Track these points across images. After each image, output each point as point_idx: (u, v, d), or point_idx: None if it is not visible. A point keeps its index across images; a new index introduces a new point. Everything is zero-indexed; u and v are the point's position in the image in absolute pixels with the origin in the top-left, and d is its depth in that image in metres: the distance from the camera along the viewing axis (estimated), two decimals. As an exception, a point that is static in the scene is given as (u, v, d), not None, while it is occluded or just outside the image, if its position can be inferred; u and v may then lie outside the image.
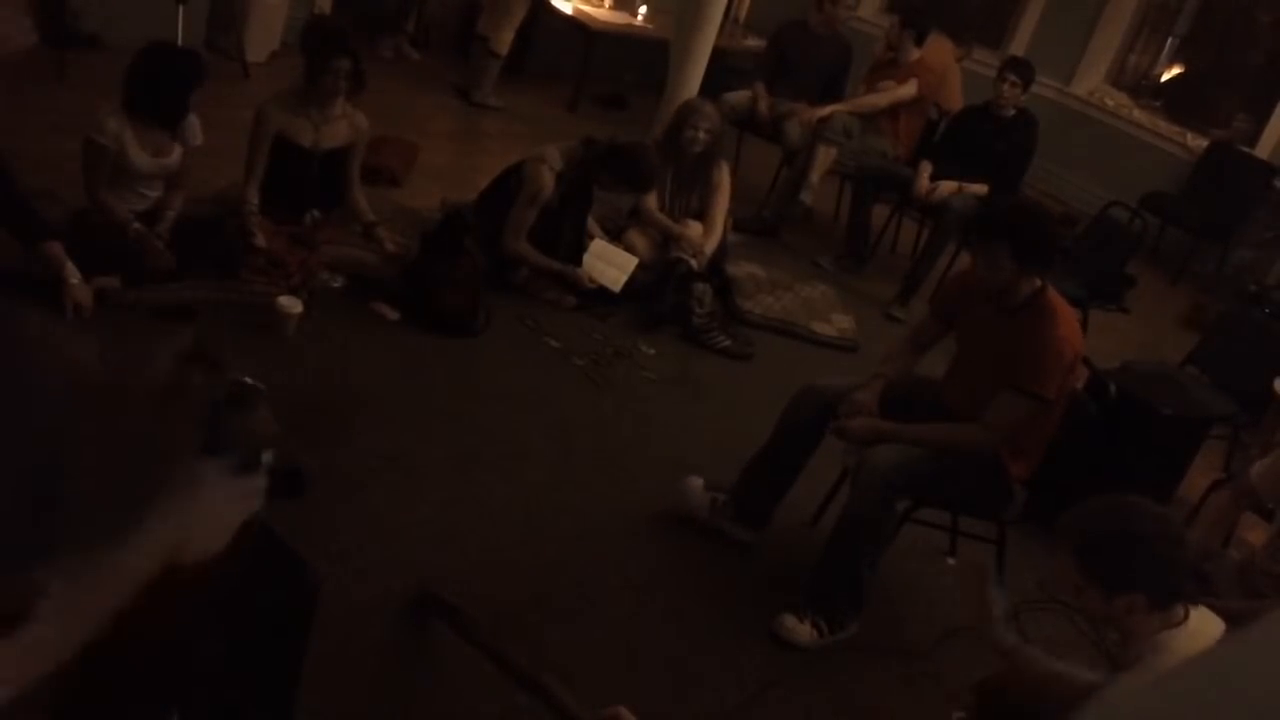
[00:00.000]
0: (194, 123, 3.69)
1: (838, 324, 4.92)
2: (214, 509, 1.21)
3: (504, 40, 6.43)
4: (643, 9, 7.47)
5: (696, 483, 3.27)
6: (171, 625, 1.17)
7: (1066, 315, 2.90)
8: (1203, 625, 2.04)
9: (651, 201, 4.62)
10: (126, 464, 1.19)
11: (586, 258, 4.40)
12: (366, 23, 6.58)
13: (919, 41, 5.79)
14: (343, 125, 3.95)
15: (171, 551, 1.14)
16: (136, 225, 3.55)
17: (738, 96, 5.94)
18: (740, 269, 4.99)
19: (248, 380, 1.53)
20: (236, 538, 1.24)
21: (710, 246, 4.59)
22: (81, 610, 1.06)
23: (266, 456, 1.33)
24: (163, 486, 1.18)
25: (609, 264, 4.43)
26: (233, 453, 1.30)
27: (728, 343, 4.44)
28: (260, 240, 3.73)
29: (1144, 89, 7.90)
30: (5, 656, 0.98)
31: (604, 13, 7.31)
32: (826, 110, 5.78)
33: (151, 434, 1.28)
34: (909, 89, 5.78)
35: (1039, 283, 2.90)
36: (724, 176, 4.66)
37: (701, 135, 4.53)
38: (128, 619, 1.09)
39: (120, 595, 1.09)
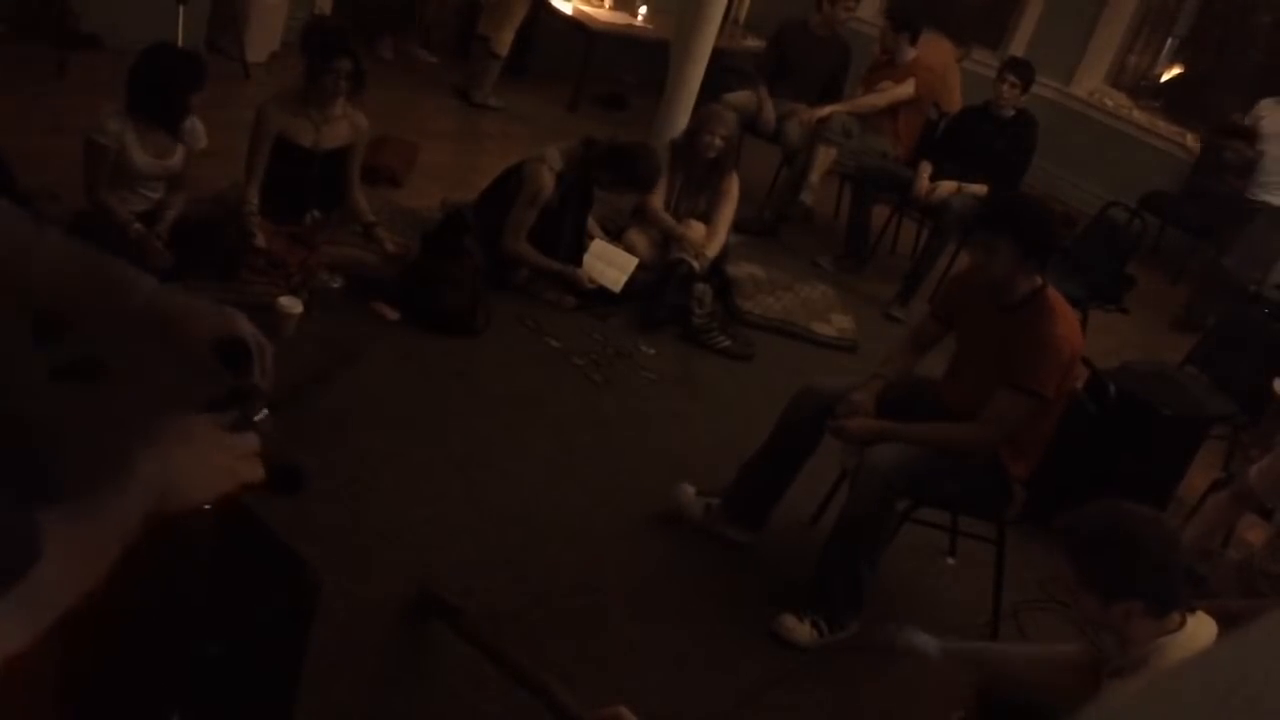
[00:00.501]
0: (197, 125, 3.69)
1: (837, 324, 4.92)
2: (203, 459, 1.19)
3: (504, 40, 6.44)
4: (643, 9, 7.47)
5: (689, 489, 3.27)
6: (149, 578, 1.16)
7: (1066, 314, 2.90)
8: (1199, 630, 2.04)
9: (657, 200, 4.63)
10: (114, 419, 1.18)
11: (586, 258, 4.41)
12: (366, 23, 6.58)
13: (913, 41, 5.80)
14: (343, 125, 3.95)
15: (158, 497, 1.13)
16: (137, 226, 3.55)
17: (738, 97, 5.95)
18: (740, 269, 5.00)
19: (250, 381, 1.53)
20: (225, 498, 1.23)
21: (712, 251, 4.60)
22: (81, 553, 1.06)
23: (261, 415, 1.31)
24: (151, 433, 1.17)
25: (609, 264, 4.44)
26: (227, 411, 1.29)
27: (728, 343, 4.44)
28: (260, 241, 3.73)
29: (1144, 89, 7.91)
30: (17, 602, 0.98)
31: (604, 13, 7.31)
32: (826, 110, 5.79)
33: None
34: (907, 88, 5.79)
35: (1039, 281, 2.90)
36: (733, 186, 4.68)
37: (717, 142, 4.54)
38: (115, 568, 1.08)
39: (114, 537, 1.08)
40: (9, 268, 1.32)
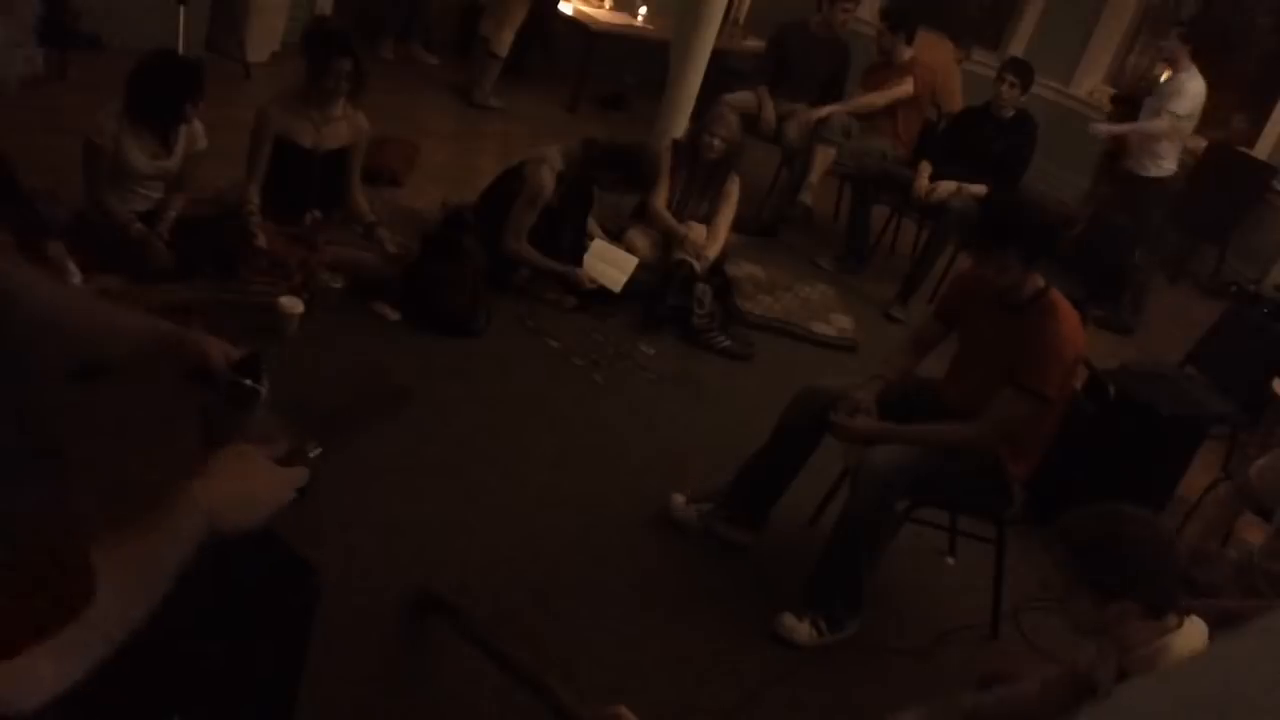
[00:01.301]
0: (197, 128, 3.70)
1: (837, 324, 4.92)
2: (256, 491, 1.22)
3: (504, 41, 6.44)
4: (643, 9, 7.48)
5: (679, 499, 3.28)
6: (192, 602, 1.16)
7: (1069, 315, 2.90)
8: (1194, 633, 2.04)
9: (659, 199, 4.63)
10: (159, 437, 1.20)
11: (587, 258, 4.41)
12: (367, 23, 6.58)
13: (909, 41, 5.81)
14: (343, 126, 3.95)
15: (211, 525, 1.14)
16: (137, 225, 3.56)
17: (738, 98, 5.95)
18: (740, 269, 5.00)
19: (246, 381, 1.53)
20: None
21: (712, 252, 4.61)
22: (135, 577, 1.05)
23: (314, 451, 1.35)
24: (208, 461, 1.18)
25: (609, 264, 4.44)
26: (282, 442, 1.32)
27: (727, 343, 4.44)
28: (261, 241, 3.73)
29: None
30: (73, 640, 0.96)
31: (604, 13, 7.31)
32: (825, 111, 5.79)
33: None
34: (905, 87, 5.80)
35: (1043, 282, 2.91)
36: (734, 189, 4.69)
37: (716, 143, 4.54)
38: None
39: (170, 561, 1.08)
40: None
